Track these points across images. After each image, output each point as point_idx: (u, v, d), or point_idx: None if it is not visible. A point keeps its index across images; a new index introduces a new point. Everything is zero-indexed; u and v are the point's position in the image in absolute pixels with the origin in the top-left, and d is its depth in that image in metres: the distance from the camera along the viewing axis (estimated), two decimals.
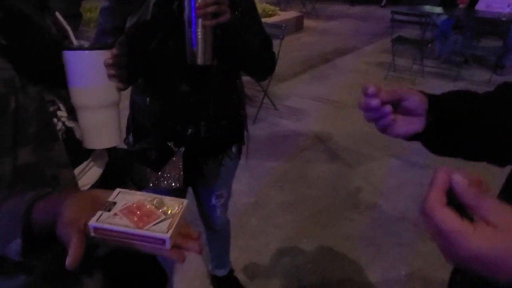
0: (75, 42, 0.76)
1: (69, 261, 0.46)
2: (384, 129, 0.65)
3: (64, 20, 0.76)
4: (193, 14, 0.93)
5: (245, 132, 1.39)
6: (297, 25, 7.10)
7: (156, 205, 0.51)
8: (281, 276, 1.91)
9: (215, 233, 1.64)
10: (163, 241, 0.47)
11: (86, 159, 0.77)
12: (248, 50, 1.12)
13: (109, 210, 0.49)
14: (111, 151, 0.86)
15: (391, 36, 4.54)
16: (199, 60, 0.98)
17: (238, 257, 1.97)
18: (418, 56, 4.62)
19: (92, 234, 0.48)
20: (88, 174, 0.78)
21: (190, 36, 0.95)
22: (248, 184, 2.65)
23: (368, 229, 2.24)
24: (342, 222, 2.30)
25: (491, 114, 0.64)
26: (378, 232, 2.20)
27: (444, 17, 5.06)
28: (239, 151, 1.41)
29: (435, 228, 0.36)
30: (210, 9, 0.93)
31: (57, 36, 0.71)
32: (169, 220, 0.49)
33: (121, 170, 0.84)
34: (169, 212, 0.50)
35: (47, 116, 0.67)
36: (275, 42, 3.76)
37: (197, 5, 0.91)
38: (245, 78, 4.42)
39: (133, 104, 1.22)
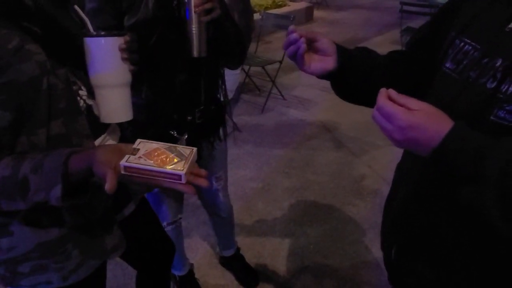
0: (92, 30, 0.85)
1: (108, 187, 0.58)
2: (301, 65, 0.79)
3: (82, 12, 0.85)
4: (189, 11, 1.02)
5: (227, 116, 1.49)
6: (306, 16, 7.12)
7: (171, 150, 0.63)
8: (285, 256, 2.01)
9: (220, 219, 1.73)
10: (179, 177, 0.59)
11: (103, 133, 0.87)
12: (228, 37, 1.21)
13: (134, 154, 0.61)
14: (122, 127, 0.95)
15: (400, 27, 4.55)
16: (195, 53, 1.08)
17: (244, 238, 2.07)
18: None
19: (123, 172, 0.60)
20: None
21: (189, 32, 1.05)
22: (255, 170, 2.74)
23: (370, 214, 2.31)
24: (346, 207, 2.38)
25: (379, 72, 0.83)
26: (379, 217, 2.24)
27: None
28: (225, 134, 1.50)
29: (384, 113, 0.59)
30: (207, 5, 1.02)
31: (78, 26, 0.81)
32: (183, 161, 0.61)
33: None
34: (182, 155, 0.62)
35: (73, 94, 0.77)
36: (282, 35, 3.83)
37: (195, 3, 1.01)
38: (254, 69, 4.48)
39: None
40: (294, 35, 0.76)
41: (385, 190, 2.66)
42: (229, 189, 1.70)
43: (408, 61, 0.86)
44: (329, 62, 0.80)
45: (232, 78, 3.05)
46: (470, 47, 0.66)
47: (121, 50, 0.77)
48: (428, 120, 0.57)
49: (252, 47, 3.89)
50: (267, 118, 3.54)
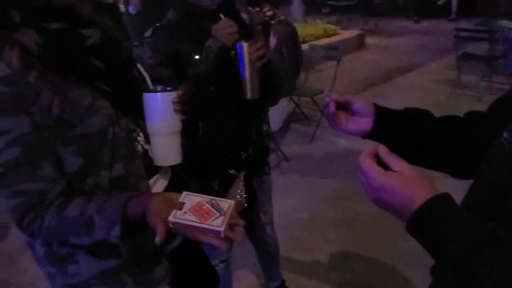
0: (150, 84, 0.97)
1: (157, 239, 0.67)
2: (336, 123, 0.82)
3: (142, 68, 0.98)
4: (243, 59, 1.14)
5: (276, 152, 1.56)
6: (358, 43, 7.12)
7: (213, 204, 0.70)
8: None
9: (266, 252, 1.77)
10: (219, 232, 0.66)
11: (156, 173, 0.98)
12: (276, 79, 1.31)
13: (180, 209, 0.69)
14: (174, 168, 1.06)
15: (457, 52, 4.41)
16: (249, 95, 1.19)
17: (290, 270, 2.08)
18: (487, 72, 4.42)
19: (171, 225, 0.68)
20: (158, 185, 0.98)
21: (241, 76, 1.16)
22: (302, 201, 2.76)
23: (423, 250, 2.22)
24: (396, 241, 2.31)
25: (429, 139, 0.80)
26: None
27: None
28: (269, 167, 1.57)
29: (363, 170, 0.59)
30: (260, 51, 1.13)
31: (139, 81, 0.94)
32: (222, 217, 0.68)
33: (181, 183, 1.04)
34: (222, 209, 0.69)
35: (132, 141, 0.88)
36: (332, 64, 3.86)
37: (249, 51, 1.12)
38: (303, 98, 4.54)
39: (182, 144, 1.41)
40: (327, 99, 0.81)
41: None
42: (275, 219, 1.75)
43: (467, 129, 0.79)
44: (364, 124, 0.81)
45: (280, 109, 3.14)
46: None
47: (174, 103, 0.88)
48: (403, 185, 0.55)
49: (301, 76, 3.99)
50: (316, 148, 3.56)
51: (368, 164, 0.57)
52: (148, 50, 1.28)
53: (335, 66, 3.77)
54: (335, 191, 2.86)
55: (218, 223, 0.67)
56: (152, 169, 0.95)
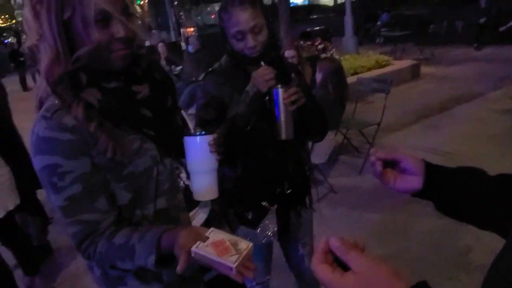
0: (191, 128, 1.11)
1: (179, 268, 0.77)
2: (384, 181, 0.79)
3: (185, 113, 1.12)
4: (278, 104, 1.25)
5: (313, 185, 1.62)
6: (412, 73, 6.99)
7: (232, 243, 0.79)
8: None
9: (306, 285, 1.80)
10: (231, 268, 0.74)
11: (197, 206, 1.09)
12: (311, 120, 1.39)
13: (204, 242, 0.79)
14: (213, 202, 1.17)
15: None
16: (283, 136, 1.29)
17: None
18: None
19: (193, 255, 0.78)
20: (197, 218, 1.09)
21: (277, 119, 1.27)
22: (348, 234, 2.65)
23: None
24: (448, 282, 2.21)
25: (485, 201, 0.73)
26: None
27: None
28: (310, 201, 1.62)
29: (320, 281, 0.51)
30: (293, 97, 1.23)
31: (181, 126, 1.07)
32: (237, 255, 0.76)
33: (219, 216, 1.14)
34: (239, 249, 0.77)
35: (175, 177, 1.01)
36: (382, 96, 3.85)
37: (283, 96, 1.23)
38: (352, 130, 4.52)
39: (223, 176, 1.51)
40: (372, 159, 0.78)
41: None
42: None
43: None
44: (414, 182, 0.77)
45: (326, 141, 3.19)
46: None
47: (210, 145, 1.00)
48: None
49: (350, 108, 4.01)
50: (364, 180, 3.52)
51: (322, 272, 0.51)
52: (199, 91, 1.44)
53: (384, 99, 3.76)
54: (382, 226, 2.80)
55: (232, 260, 0.75)
56: (193, 202, 1.07)
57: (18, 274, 2.53)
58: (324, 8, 21.65)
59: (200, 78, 1.47)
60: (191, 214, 1.07)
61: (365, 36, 11.80)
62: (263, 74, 1.25)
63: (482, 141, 3.95)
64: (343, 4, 18.93)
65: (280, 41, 6.04)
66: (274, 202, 1.45)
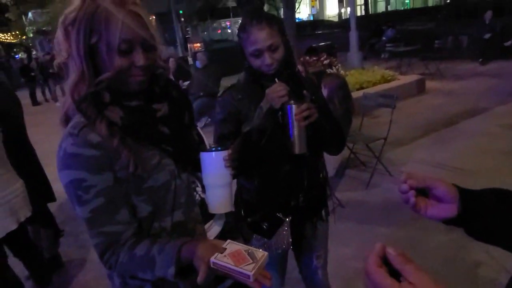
0: (207, 144, 1.15)
1: (199, 279, 0.80)
2: (416, 210, 0.75)
3: (200, 130, 1.16)
4: (291, 119, 1.29)
5: (330, 198, 1.63)
6: (418, 88, 7.03)
7: (248, 253, 0.82)
8: None
9: None
10: (248, 276, 0.78)
11: (211, 218, 1.12)
12: (325, 134, 1.42)
13: (222, 253, 0.82)
14: (227, 215, 1.20)
15: None
16: (297, 151, 1.32)
17: None
18: None
19: (211, 265, 0.81)
20: (212, 230, 1.12)
21: (290, 134, 1.30)
22: (358, 249, 2.73)
23: None
24: None
25: None
26: None
27: None
28: (327, 214, 1.64)
29: (372, 283, 0.52)
30: (304, 113, 1.27)
31: (197, 141, 1.11)
32: (254, 264, 0.79)
33: (233, 228, 1.17)
34: (255, 258, 0.81)
35: (191, 191, 1.04)
36: (388, 111, 3.87)
37: (295, 112, 1.27)
38: (357, 145, 4.53)
39: (241, 188, 1.56)
40: (404, 187, 0.73)
41: (505, 280, 2.43)
42: (329, 267, 1.78)
43: None
44: (448, 210, 0.75)
45: (333, 157, 3.21)
46: None
47: (225, 160, 1.03)
48: None
49: (356, 123, 4.04)
50: (372, 195, 3.52)
51: (379, 276, 0.51)
52: (218, 107, 1.49)
53: (390, 114, 3.79)
54: (392, 240, 2.80)
55: (249, 268, 0.78)
56: (208, 215, 1.10)
57: (28, 286, 2.56)
58: (329, 24, 21.92)
59: (219, 94, 1.51)
60: (206, 226, 1.10)
61: (370, 51, 11.91)
62: (276, 91, 1.29)
63: (491, 156, 3.95)
64: (347, 20, 19.16)
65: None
66: (289, 214, 1.48)
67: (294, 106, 1.28)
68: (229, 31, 27.49)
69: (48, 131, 2.89)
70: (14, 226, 2.14)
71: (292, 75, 1.40)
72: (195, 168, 1.07)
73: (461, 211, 0.74)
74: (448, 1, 19.12)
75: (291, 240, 1.49)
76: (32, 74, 11.58)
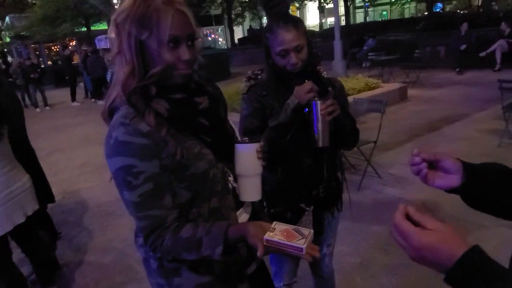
0: (238, 136, 1.22)
1: (259, 253, 0.88)
2: (425, 180, 0.87)
3: (232, 123, 1.24)
4: (317, 114, 1.39)
5: (346, 189, 1.76)
6: (401, 95, 7.28)
7: (296, 230, 0.91)
8: None
9: (322, 280, 1.91)
10: (301, 249, 0.87)
11: (241, 207, 1.19)
12: (345, 129, 1.53)
13: (272, 232, 0.90)
14: (253, 205, 1.27)
15: (502, 103, 4.45)
16: (320, 144, 1.43)
17: None
18: None
19: (265, 243, 0.89)
20: (242, 217, 1.19)
21: (315, 128, 1.40)
22: (353, 246, 2.85)
23: None
24: None
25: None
26: None
27: None
28: (341, 205, 1.76)
29: (402, 232, 0.65)
30: (329, 109, 1.37)
31: (231, 133, 1.19)
32: (304, 239, 0.89)
33: (257, 216, 1.24)
34: (303, 234, 0.90)
35: (226, 180, 1.12)
36: (376, 115, 4.02)
37: (320, 108, 1.37)
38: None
39: (263, 180, 1.64)
40: (417, 159, 0.85)
41: None
42: None
43: None
44: (453, 180, 0.85)
45: None
46: None
47: (257, 151, 1.12)
48: (441, 242, 0.61)
49: None
50: (363, 196, 3.66)
51: (406, 226, 0.64)
52: (243, 103, 1.58)
53: (379, 117, 3.95)
54: (386, 237, 2.92)
55: (301, 243, 0.87)
56: (238, 203, 1.18)
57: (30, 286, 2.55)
58: (311, 33, 22.34)
59: (244, 91, 1.60)
60: (237, 213, 1.17)
61: (352, 60, 12.23)
62: (305, 88, 1.39)
63: (472, 159, 4.08)
64: (329, 29, 19.48)
65: None
66: (311, 204, 1.58)
67: (319, 102, 1.38)
68: (209, 38, 27.66)
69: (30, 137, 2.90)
70: (21, 220, 2.16)
71: (314, 74, 1.50)
72: (229, 158, 1.15)
73: (465, 181, 0.85)
74: (426, 13, 19.82)
75: (312, 230, 1.57)
76: (11, 79, 11.32)
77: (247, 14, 28.90)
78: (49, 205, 3.28)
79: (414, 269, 2.51)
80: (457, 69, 9.49)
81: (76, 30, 22.28)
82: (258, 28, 26.29)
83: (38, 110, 11.43)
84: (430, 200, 3.39)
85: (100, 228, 3.66)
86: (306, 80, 1.42)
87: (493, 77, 7.37)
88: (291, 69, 1.45)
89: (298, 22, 1.45)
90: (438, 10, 22.79)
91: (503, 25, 9.16)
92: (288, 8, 6.98)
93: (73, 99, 11.98)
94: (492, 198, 0.85)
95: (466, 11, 19.94)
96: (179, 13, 0.96)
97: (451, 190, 0.88)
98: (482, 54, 9.19)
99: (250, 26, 28.22)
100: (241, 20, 28.67)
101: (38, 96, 11.47)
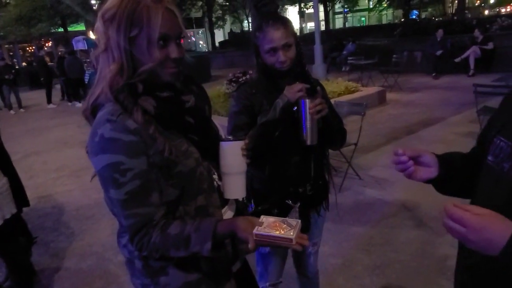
0: (223, 135, 1.22)
1: (251, 246, 0.89)
2: (409, 176, 0.98)
3: (215, 123, 1.23)
4: (305, 113, 1.40)
5: (332, 189, 1.78)
6: (379, 99, 7.42)
7: (284, 222, 0.92)
8: None
9: (307, 280, 1.92)
10: (291, 240, 0.87)
11: (225, 205, 1.19)
12: (332, 128, 1.55)
13: (261, 225, 0.90)
14: (237, 202, 1.27)
15: (476, 107, 4.60)
16: (309, 142, 1.45)
17: None
18: None
19: (255, 237, 0.89)
20: (226, 214, 1.18)
21: (303, 126, 1.42)
22: (335, 247, 2.87)
23: None
24: (430, 287, 2.37)
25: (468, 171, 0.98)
26: None
27: None
28: (327, 204, 1.78)
29: (456, 219, 0.70)
30: (318, 107, 1.39)
31: (216, 132, 1.18)
32: (292, 229, 0.89)
33: (241, 214, 1.24)
34: (291, 225, 0.91)
35: (212, 178, 1.11)
36: (356, 118, 4.09)
37: (309, 106, 1.39)
38: (330, 150, 4.68)
39: (252, 177, 1.64)
40: (403, 158, 0.96)
41: None
42: None
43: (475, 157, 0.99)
44: (431, 172, 0.98)
45: None
46: (504, 144, 0.84)
47: (242, 149, 1.11)
48: (495, 222, 0.68)
49: None
50: (344, 197, 3.70)
51: (463, 213, 0.69)
52: (233, 100, 1.58)
53: (359, 120, 4.02)
54: (367, 238, 2.96)
55: (290, 233, 0.88)
56: (223, 201, 1.17)
57: None
58: None
59: (234, 90, 1.60)
60: (222, 211, 1.17)
61: (332, 64, 12.40)
62: (295, 87, 1.41)
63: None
64: (309, 34, 19.67)
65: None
66: (297, 201, 1.58)
67: (308, 101, 1.40)
68: (189, 41, 27.52)
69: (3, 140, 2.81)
70: None
71: (303, 73, 1.51)
72: (214, 157, 1.14)
73: (441, 171, 0.98)
74: (403, 20, 20.31)
75: (300, 220, 1.58)
76: None
77: (228, 17, 28.95)
78: (24, 210, 3.16)
79: (396, 269, 2.55)
80: (433, 74, 9.75)
81: (53, 30, 21.78)
82: (239, 31, 26.34)
83: (12, 112, 11.08)
84: (409, 200, 3.46)
85: (78, 232, 3.56)
86: (298, 83, 1.44)
87: (467, 82, 7.62)
88: (280, 67, 1.47)
89: (287, 22, 1.47)
90: (413, 17, 23.40)
91: (476, 32, 9.49)
92: (278, 8, 7.05)
93: (49, 101, 11.68)
94: (457, 181, 0.99)
95: (441, 18, 20.55)
96: (168, 11, 0.95)
97: (428, 181, 1.00)
98: (457, 59, 9.48)
99: (231, 29, 28.24)
100: (221, 23, 28.70)
101: (12, 98, 11.11)
